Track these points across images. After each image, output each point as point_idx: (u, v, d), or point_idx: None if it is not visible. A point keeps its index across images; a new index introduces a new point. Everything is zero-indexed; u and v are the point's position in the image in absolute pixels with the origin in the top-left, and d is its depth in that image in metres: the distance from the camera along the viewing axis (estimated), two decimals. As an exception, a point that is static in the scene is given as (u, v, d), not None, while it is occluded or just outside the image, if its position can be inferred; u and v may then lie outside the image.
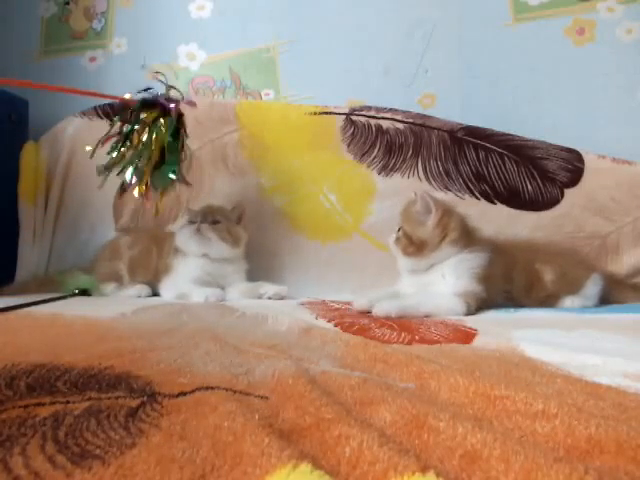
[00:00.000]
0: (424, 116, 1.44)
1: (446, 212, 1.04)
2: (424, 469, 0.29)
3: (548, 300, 1.08)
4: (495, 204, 1.37)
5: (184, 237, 1.24)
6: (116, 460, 0.32)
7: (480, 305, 0.98)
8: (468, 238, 1.05)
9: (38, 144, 1.50)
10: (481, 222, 1.33)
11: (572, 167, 1.35)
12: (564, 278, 1.10)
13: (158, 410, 0.39)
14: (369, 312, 0.94)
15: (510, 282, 1.07)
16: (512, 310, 1.02)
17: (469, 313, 0.95)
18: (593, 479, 0.28)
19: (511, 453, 0.31)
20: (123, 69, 1.70)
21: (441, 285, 1.01)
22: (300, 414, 0.39)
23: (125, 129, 1.03)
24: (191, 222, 1.24)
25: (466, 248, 1.03)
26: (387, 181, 1.41)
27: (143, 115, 1.02)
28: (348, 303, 1.06)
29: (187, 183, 1.17)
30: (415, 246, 1.03)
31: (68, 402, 0.40)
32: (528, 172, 1.36)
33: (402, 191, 1.39)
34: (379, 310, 0.91)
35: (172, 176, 1.04)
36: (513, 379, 0.49)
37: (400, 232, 1.06)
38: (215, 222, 1.24)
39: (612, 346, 0.64)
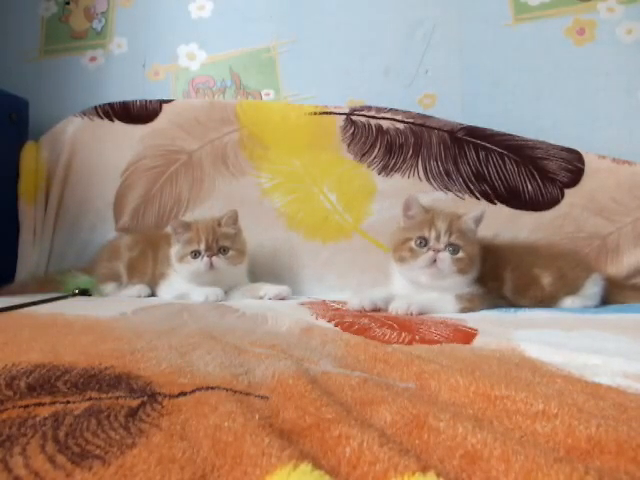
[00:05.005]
0: (424, 116, 1.44)
1: None
2: (424, 469, 0.29)
3: (545, 300, 1.08)
4: (495, 204, 1.37)
5: (193, 273, 1.16)
6: (116, 460, 0.31)
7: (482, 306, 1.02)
8: None
9: (38, 144, 1.50)
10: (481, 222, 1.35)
11: (572, 167, 1.35)
12: (562, 280, 1.10)
13: (158, 410, 0.39)
14: (364, 311, 0.98)
15: (497, 283, 1.07)
16: (512, 310, 1.02)
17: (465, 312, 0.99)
18: (593, 479, 0.28)
19: (511, 453, 0.31)
20: (123, 69, 1.70)
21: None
22: (300, 414, 0.39)
23: None
24: (194, 253, 1.16)
25: None
26: (387, 181, 1.41)
27: None
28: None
29: None
30: (471, 263, 1.02)
31: (68, 402, 0.40)
32: (528, 172, 1.36)
33: (402, 191, 1.39)
34: (397, 308, 0.96)
35: None
36: (513, 379, 0.48)
37: (461, 253, 1.00)
38: (224, 249, 1.17)
39: (612, 346, 0.64)
